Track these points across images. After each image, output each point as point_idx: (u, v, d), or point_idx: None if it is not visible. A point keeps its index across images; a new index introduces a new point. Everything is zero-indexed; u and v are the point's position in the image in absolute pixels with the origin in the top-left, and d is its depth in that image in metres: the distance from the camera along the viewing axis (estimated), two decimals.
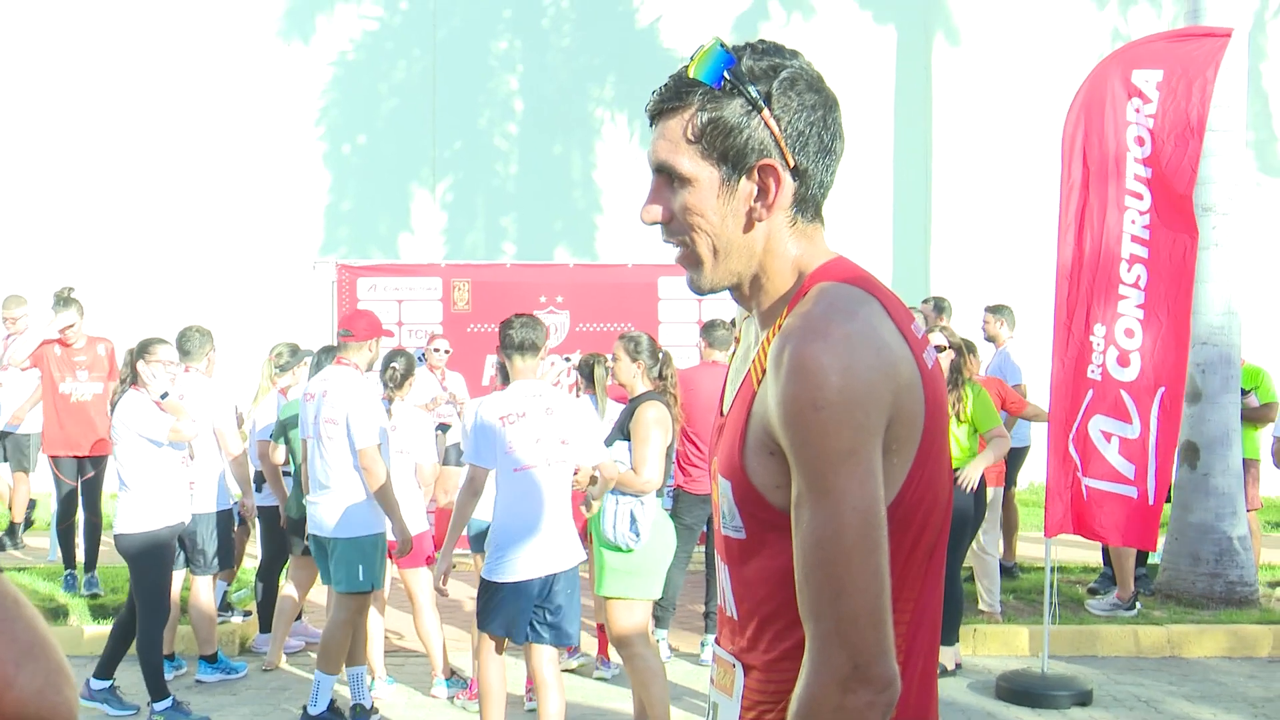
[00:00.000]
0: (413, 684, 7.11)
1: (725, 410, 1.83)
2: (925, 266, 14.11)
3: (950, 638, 7.25)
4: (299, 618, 7.88)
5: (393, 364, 6.98)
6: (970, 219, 13.88)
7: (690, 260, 1.79)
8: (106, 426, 8.62)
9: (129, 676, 6.65)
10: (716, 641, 1.89)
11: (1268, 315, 12.84)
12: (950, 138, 14.08)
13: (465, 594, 8.25)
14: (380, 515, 6.21)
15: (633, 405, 5.81)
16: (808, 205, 1.76)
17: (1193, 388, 8.50)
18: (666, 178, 1.76)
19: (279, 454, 7.30)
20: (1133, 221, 6.56)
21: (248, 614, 8.20)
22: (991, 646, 7.82)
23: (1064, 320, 6.65)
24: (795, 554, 1.59)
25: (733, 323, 7.74)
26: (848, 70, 13.32)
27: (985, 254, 13.55)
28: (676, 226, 1.77)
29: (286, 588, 7.44)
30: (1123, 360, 6.55)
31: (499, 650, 5.64)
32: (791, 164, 1.71)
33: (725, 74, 1.69)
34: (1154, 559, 9.11)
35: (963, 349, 7.16)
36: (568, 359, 7.89)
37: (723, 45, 1.71)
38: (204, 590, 7.11)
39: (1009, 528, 9.21)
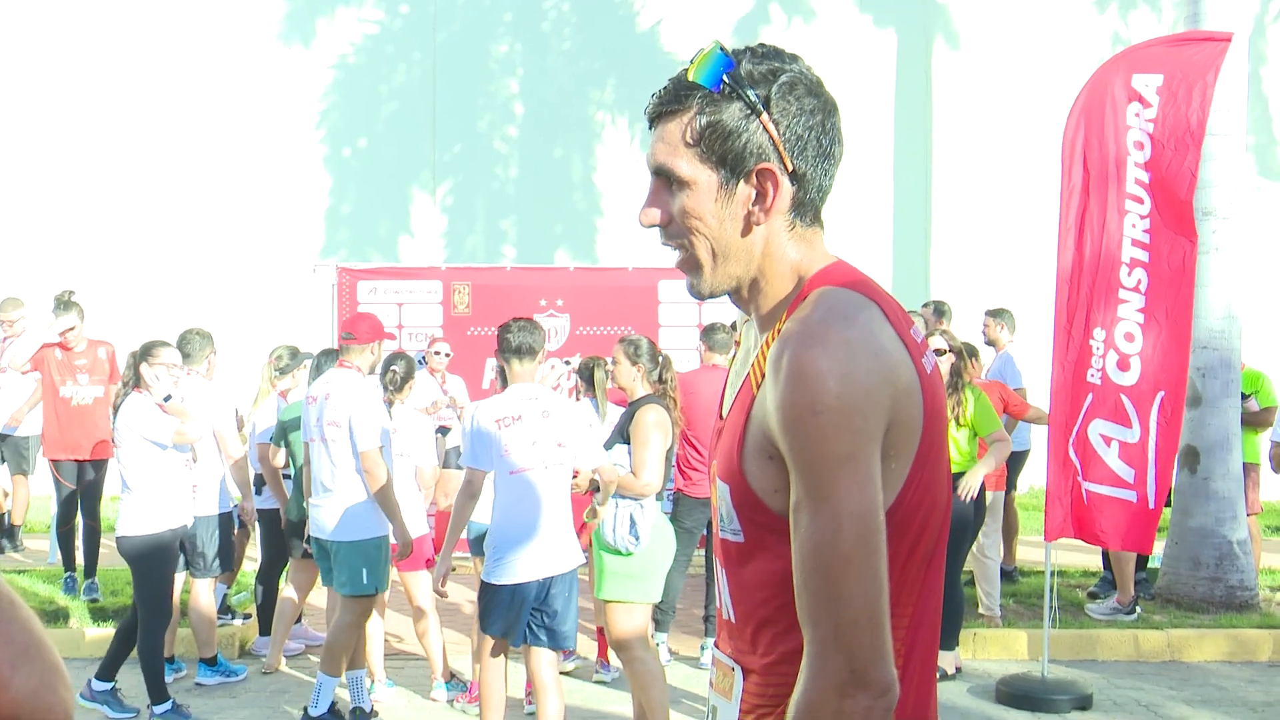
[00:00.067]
0: (412, 687, 7.11)
1: (725, 414, 1.84)
2: (925, 270, 14.12)
3: (950, 642, 7.25)
4: (299, 621, 7.88)
5: (393, 367, 6.98)
6: (970, 223, 13.88)
7: (690, 265, 1.79)
8: (107, 430, 8.64)
9: (129, 679, 6.65)
10: (715, 645, 1.89)
11: (1268, 319, 12.84)
12: (950, 142, 14.08)
13: (464, 597, 8.25)
14: (383, 518, 6.21)
15: (632, 408, 5.82)
16: (806, 209, 1.76)
17: (1193, 392, 8.50)
18: (665, 180, 1.76)
19: (279, 457, 7.30)
20: (1133, 226, 6.57)
21: (247, 617, 8.20)
22: (991, 650, 7.82)
23: (1064, 324, 6.66)
24: (794, 559, 1.59)
25: (733, 326, 7.74)
26: (848, 74, 13.33)
27: (985, 258, 13.55)
28: (675, 229, 1.77)
29: (286, 590, 7.44)
30: (1123, 364, 6.56)
31: (498, 653, 5.65)
32: (790, 168, 1.71)
33: (724, 77, 1.69)
34: (1154, 563, 9.11)
35: (963, 353, 7.16)
36: (568, 362, 7.89)
37: (722, 49, 1.71)
38: (204, 593, 7.11)
39: (1009, 532, 9.21)
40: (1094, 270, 6.59)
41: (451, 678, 6.99)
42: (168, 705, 6.37)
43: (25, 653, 1.20)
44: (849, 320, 1.62)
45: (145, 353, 6.40)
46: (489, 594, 5.47)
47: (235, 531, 7.55)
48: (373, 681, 6.86)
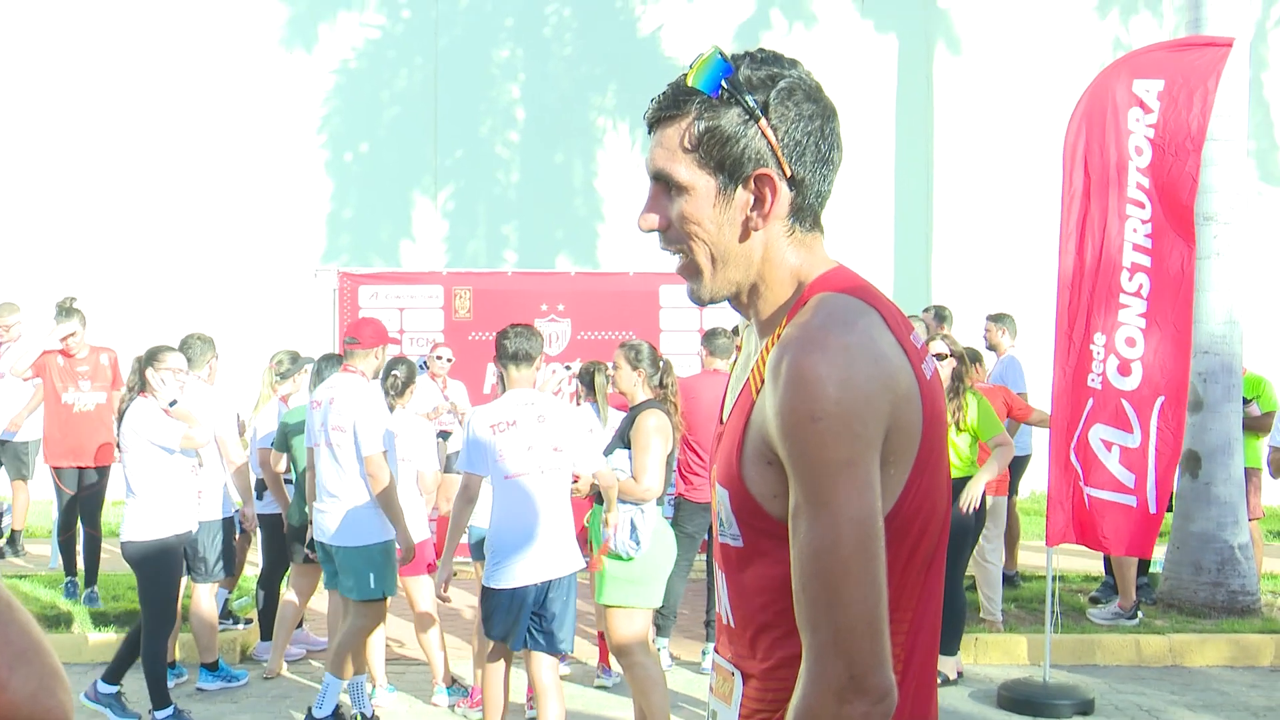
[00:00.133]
0: (413, 692, 7.10)
1: (725, 419, 1.84)
2: (927, 275, 14.12)
3: (952, 647, 7.24)
4: (300, 625, 7.88)
5: (394, 372, 6.99)
6: (972, 227, 13.88)
7: (690, 270, 1.79)
8: (110, 436, 8.64)
9: (131, 683, 6.64)
10: (715, 650, 1.89)
11: (1269, 324, 12.84)
12: (951, 146, 14.09)
13: (465, 602, 8.26)
14: (388, 522, 6.22)
15: (633, 413, 5.82)
16: (805, 215, 1.76)
17: (1194, 397, 8.50)
18: (664, 186, 1.76)
19: (280, 462, 7.30)
20: (1134, 230, 6.57)
21: (249, 622, 8.20)
22: (993, 655, 7.81)
23: (1065, 329, 6.66)
24: (792, 564, 1.60)
25: (734, 331, 7.74)
26: (849, 79, 13.34)
27: (987, 262, 13.55)
28: (674, 235, 1.78)
29: (288, 595, 7.44)
30: (1123, 369, 6.56)
31: (497, 658, 5.66)
32: (788, 173, 1.71)
33: (723, 83, 1.69)
34: (1155, 568, 9.10)
35: (964, 357, 7.15)
36: (568, 367, 7.89)
37: (721, 54, 1.71)
38: (205, 598, 7.10)
39: (1011, 537, 9.20)
40: (1094, 275, 6.59)
41: (453, 683, 6.99)
42: (169, 710, 6.37)
43: (23, 656, 1.20)
44: (848, 326, 1.62)
45: (151, 358, 6.40)
46: (488, 598, 5.49)
47: (237, 537, 7.55)
48: (374, 686, 6.86)
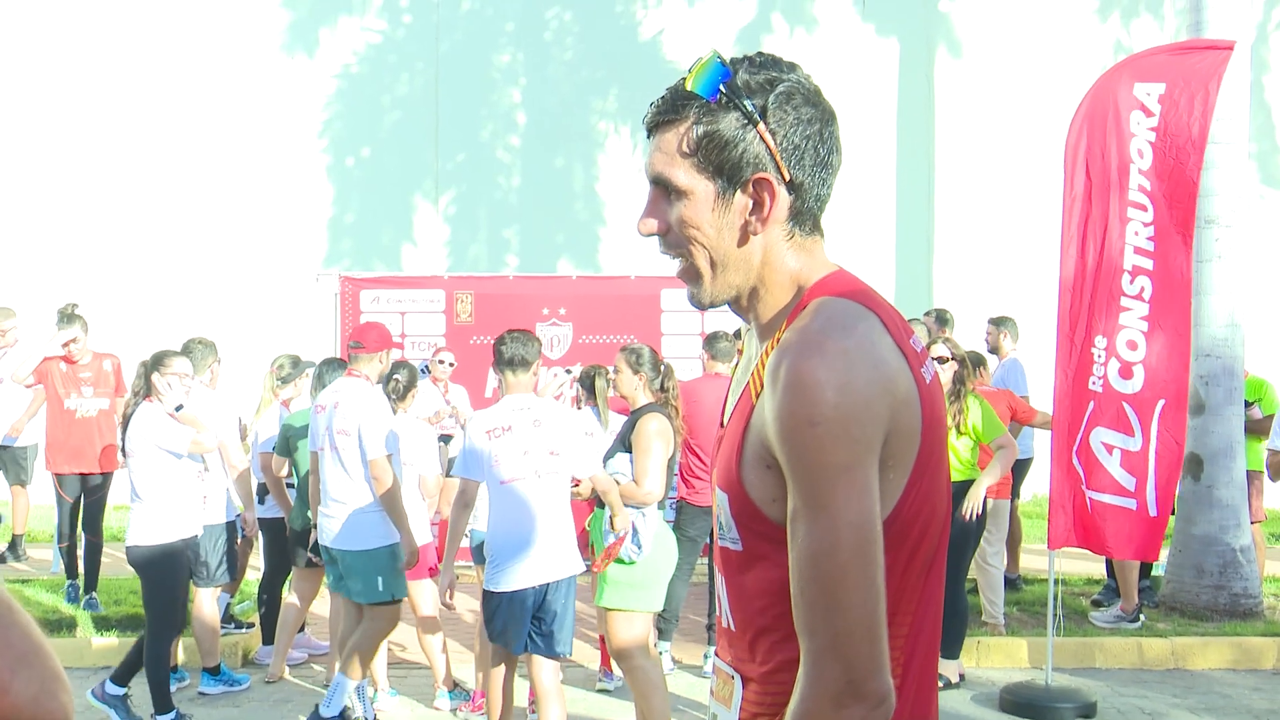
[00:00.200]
0: (415, 696, 7.10)
1: (725, 422, 1.84)
2: (928, 278, 14.11)
3: (953, 650, 7.24)
4: (302, 630, 7.88)
5: (395, 376, 7.00)
6: (973, 231, 13.88)
7: (690, 274, 1.80)
8: (112, 443, 8.65)
9: (134, 687, 6.63)
10: (716, 653, 1.89)
11: (1271, 327, 12.83)
12: (953, 150, 14.09)
13: (467, 606, 8.26)
14: (394, 526, 6.23)
15: (634, 417, 5.83)
16: (805, 218, 1.76)
17: (1196, 400, 8.49)
18: (663, 190, 1.76)
19: (283, 467, 7.30)
20: (1135, 233, 6.57)
21: (250, 626, 8.20)
22: (995, 659, 7.80)
23: (1066, 332, 6.66)
24: (791, 568, 1.60)
25: (736, 334, 7.75)
26: (850, 83, 13.35)
27: (988, 266, 13.55)
28: (673, 239, 1.78)
29: (289, 599, 7.44)
30: (1125, 372, 6.55)
31: (498, 662, 5.66)
32: (787, 178, 1.71)
33: (721, 87, 1.69)
34: (1158, 571, 9.09)
35: (966, 361, 7.15)
36: (569, 371, 7.90)
37: (720, 58, 1.71)
38: (207, 602, 7.11)
39: (1013, 540, 9.19)
40: (1096, 278, 6.59)
41: (455, 687, 6.99)
42: (171, 715, 6.37)
43: (25, 658, 1.20)
44: (847, 330, 1.62)
45: (157, 362, 6.41)
46: (489, 601, 5.54)
47: (238, 541, 7.55)
48: (376, 690, 6.86)
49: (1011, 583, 9.07)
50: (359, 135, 14.39)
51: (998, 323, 9.51)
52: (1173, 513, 7.28)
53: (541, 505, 5.45)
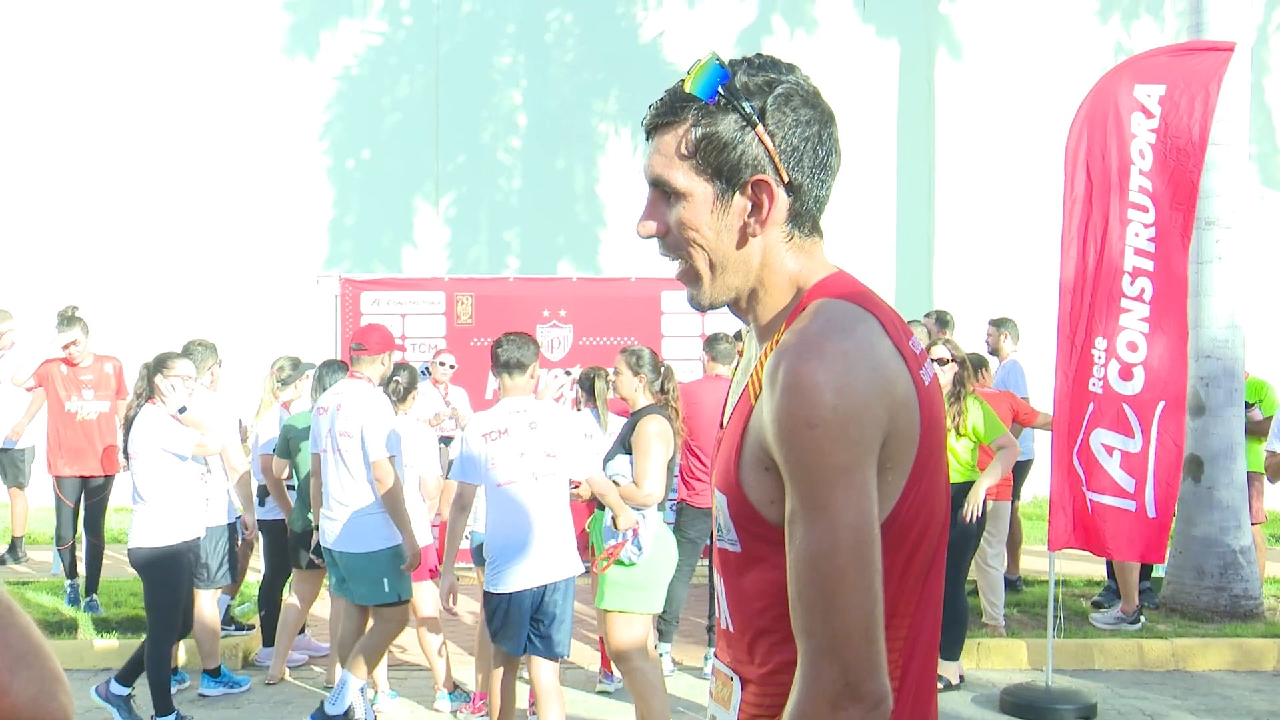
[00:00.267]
0: (415, 698, 7.10)
1: (725, 424, 1.84)
2: (929, 280, 14.11)
3: (954, 652, 7.24)
4: (302, 631, 7.88)
5: (395, 378, 7.00)
6: (973, 232, 13.88)
7: (689, 276, 1.80)
8: (114, 445, 8.65)
9: (137, 688, 6.64)
10: (715, 654, 1.89)
11: (1271, 328, 12.83)
12: (953, 151, 14.09)
13: (466, 608, 8.25)
14: (396, 528, 6.24)
15: (634, 419, 5.83)
16: (804, 220, 1.76)
17: (1196, 401, 8.50)
18: (662, 192, 1.76)
19: (284, 469, 7.31)
20: (1136, 235, 6.57)
21: (251, 628, 8.20)
22: (995, 660, 7.80)
23: (1067, 333, 6.66)
24: (789, 570, 1.59)
25: (736, 336, 7.75)
26: (851, 85, 13.36)
27: (989, 267, 13.55)
28: (672, 241, 1.78)
29: (290, 601, 7.44)
30: (1125, 373, 6.55)
31: (499, 663, 5.67)
32: (786, 179, 1.71)
33: (720, 89, 1.69)
34: (1158, 572, 9.09)
35: (966, 362, 7.14)
36: (569, 373, 7.90)
37: (718, 60, 1.71)
38: (207, 604, 7.11)
39: (1013, 541, 9.19)
40: (1096, 279, 6.59)
41: (455, 688, 6.99)
42: (172, 717, 6.37)
43: (24, 659, 1.21)
44: (846, 332, 1.62)
45: (160, 365, 6.41)
46: (488, 602, 5.57)
47: (239, 543, 7.56)
48: (376, 692, 6.86)
49: (1012, 584, 9.07)
50: (359, 137, 14.40)
51: (998, 324, 9.51)
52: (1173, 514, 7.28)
53: (539, 507, 5.45)
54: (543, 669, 5.54)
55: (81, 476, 8.85)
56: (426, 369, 9.13)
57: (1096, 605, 8.81)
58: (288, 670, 7.52)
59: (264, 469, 7.45)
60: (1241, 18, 8.61)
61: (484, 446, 5.48)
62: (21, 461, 10.01)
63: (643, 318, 10.32)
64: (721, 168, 1.70)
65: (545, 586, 5.45)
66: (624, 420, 6.24)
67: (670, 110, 1.73)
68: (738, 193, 1.72)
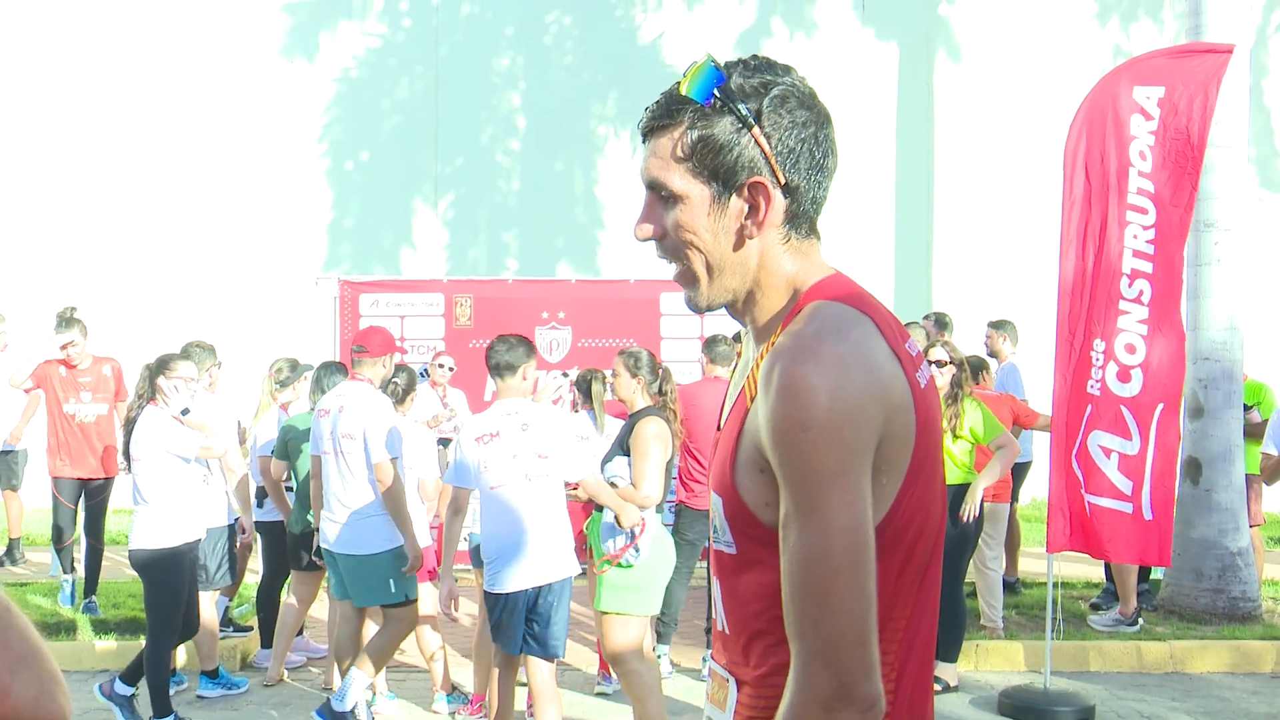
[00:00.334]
0: (414, 699, 7.10)
1: (722, 426, 1.84)
2: (927, 281, 14.12)
3: (952, 654, 7.23)
4: (300, 633, 7.88)
5: (394, 380, 7.00)
6: (972, 234, 13.89)
7: (687, 278, 1.80)
8: (113, 446, 8.64)
9: (139, 688, 6.65)
10: (711, 656, 1.89)
11: (1270, 330, 12.84)
12: (952, 153, 14.10)
13: (464, 610, 8.24)
14: (398, 530, 6.24)
15: (632, 421, 5.83)
16: (801, 222, 1.76)
17: (1195, 403, 8.50)
18: (659, 195, 1.76)
19: (283, 471, 7.31)
20: (1135, 236, 6.57)
21: (249, 629, 8.20)
22: (993, 662, 7.80)
23: (1066, 335, 6.66)
24: (782, 573, 1.59)
25: (735, 338, 7.75)
26: (850, 87, 13.37)
27: (988, 269, 13.56)
28: (670, 243, 1.78)
29: (288, 603, 7.44)
30: (1123, 375, 6.55)
31: (498, 664, 5.68)
32: (782, 181, 1.71)
33: (715, 91, 1.69)
34: (1156, 574, 9.10)
35: (964, 364, 7.14)
36: (566, 374, 7.90)
37: (714, 62, 1.71)
38: (205, 606, 7.10)
39: (1011, 543, 9.19)
40: (1095, 281, 6.60)
41: (453, 690, 6.99)
42: (170, 718, 6.37)
43: (24, 660, 1.21)
44: (842, 335, 1.62)
45: (162, 366, 6.41)
46: (488, 602, 5.59)
47: (237, 545, 7.56)
48: (374, 693, 6.85)
49: (1010, 586, 9.07)
50: (358, 139, 14.40)
51: (997, 326, 9.51)
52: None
53: (532, 509, 5.47)
54: (539, 669, 5.54)
55: (81, 478, 8.84)
56: (425, 371, 9.13)
57: (1095, 607, 8.82)
58: (286, 672, 7.52)
59: (262, 471, 7.45)
60: (1240, 20, 8.62)
61: (477, 450, 5.49)
62: (15, 464, 10.00)
63: (641, 319, 10.32)
64: (718, 170, 1.70)
65: (540, 587, 5.46)
66: (622, 422, 6.24)
67: (666, 113, 1.73)
68: (734, 195, 1.72)
